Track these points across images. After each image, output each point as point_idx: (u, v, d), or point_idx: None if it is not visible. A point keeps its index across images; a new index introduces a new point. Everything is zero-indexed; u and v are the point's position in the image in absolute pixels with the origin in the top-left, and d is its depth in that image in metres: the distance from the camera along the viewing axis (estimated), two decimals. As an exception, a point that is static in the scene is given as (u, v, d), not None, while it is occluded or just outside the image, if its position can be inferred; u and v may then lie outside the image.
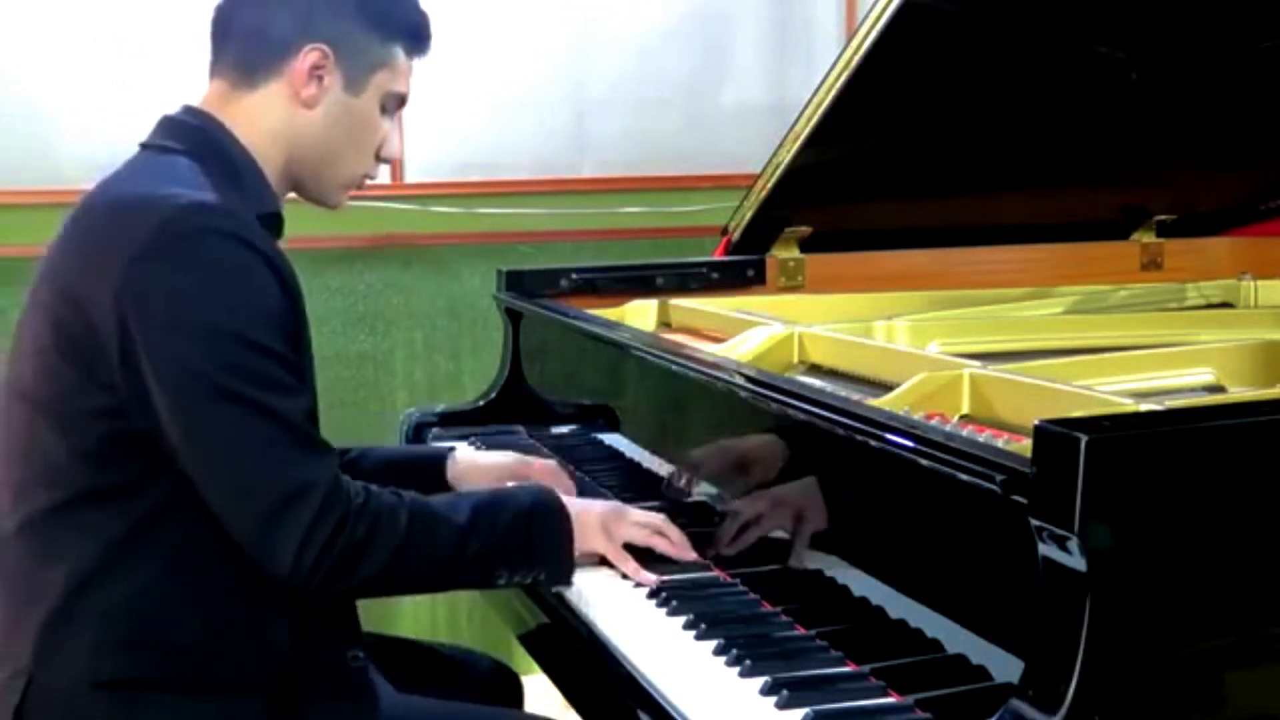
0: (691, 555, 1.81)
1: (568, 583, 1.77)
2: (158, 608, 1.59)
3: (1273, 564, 1.23)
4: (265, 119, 1.71)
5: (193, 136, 1.69)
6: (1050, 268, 2.74)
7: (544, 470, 2.07)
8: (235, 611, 1.61)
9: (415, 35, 1.79)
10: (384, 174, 3.19)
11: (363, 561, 1.59)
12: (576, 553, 1.76)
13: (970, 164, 2.61)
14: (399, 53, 1.76)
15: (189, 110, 1.73)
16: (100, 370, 1.56)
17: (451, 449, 2.14)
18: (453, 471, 2.07)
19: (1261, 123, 2.59)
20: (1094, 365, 1.84)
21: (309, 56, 1.70)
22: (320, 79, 1.71)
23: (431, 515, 1.67)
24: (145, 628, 1.59)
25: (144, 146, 1.72)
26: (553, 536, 1.74)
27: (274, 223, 1.72)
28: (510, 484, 1.99)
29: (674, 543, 1.81)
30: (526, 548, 1.72)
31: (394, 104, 1.78)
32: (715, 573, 1.77)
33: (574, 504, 1.79)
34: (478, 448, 2.41)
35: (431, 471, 2.07)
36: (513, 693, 2.06)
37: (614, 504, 1.88)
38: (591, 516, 1.79)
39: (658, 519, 1.83)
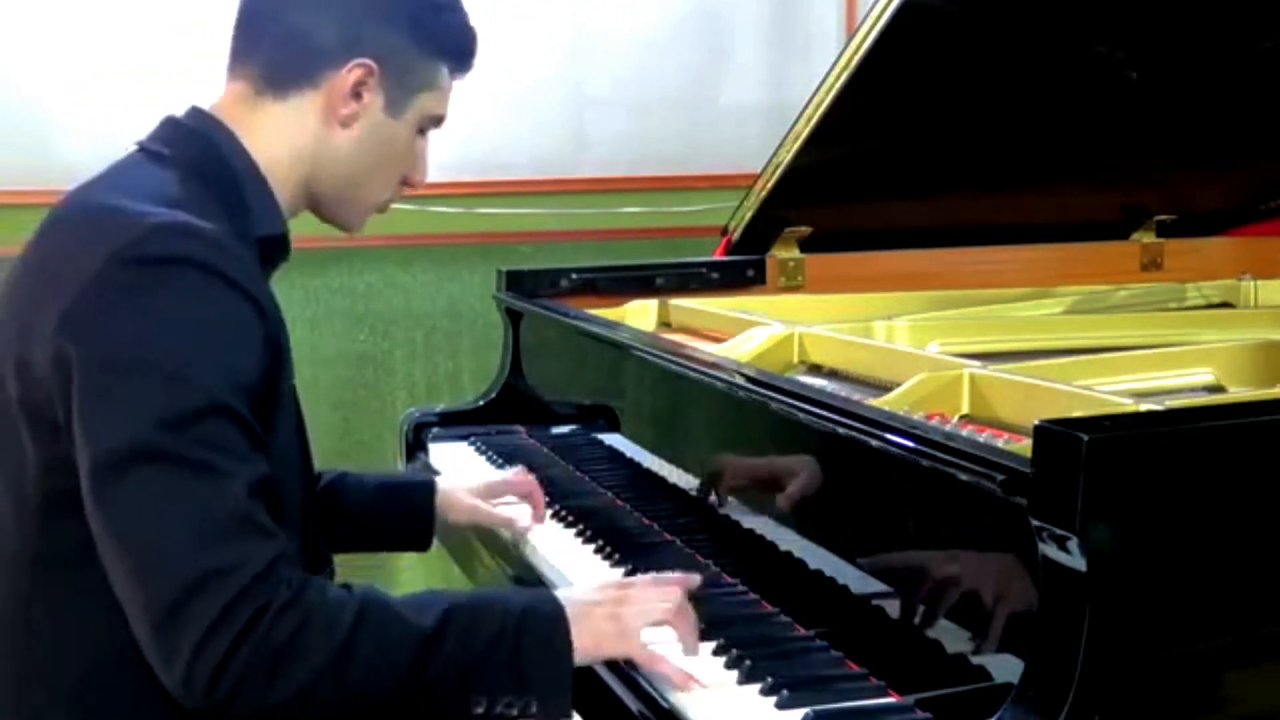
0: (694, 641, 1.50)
1: (567, 715, 1.44)
2: (117, 687, 1.38)
3: (1273, 564, 1.23)
4: (288, 134, 1.54)
5: (192, 145, 1.51)
6: (1050, 268, 2.74)
7: (519, 484, 1.99)
8: None
9: (465, 53, 1.65)
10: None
11: (285, 670, 1.29)
12: (592, 661, 1.46)
13: (970, 164, 2.61)
14: (444, 72, 1.62)
15: (196, 113, 1.55)
16: (45, 410, 1.36)
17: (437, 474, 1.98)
18: (439, 500, 1.92)
19: (1261, 123, 2.59)
20: (1094, 365, 1.84)
21: (354, 72, 1.53)
22: (360, 96, 1.54)
23: (387, 613, 1.36)
24: (107, 711, 1.39)
25: (139, 147, 1.54)
26: (549, 653, 1.40)
27: (276, 246, 1.56)
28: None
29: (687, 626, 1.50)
30: (513, 667, 1.38)
31: (429, 127, 1.64)
32: (715, 573, 1.77)
33: (573, 602, 1.45)
34: (478, 448, 2.41)
35: (417, 498, 1.92)
36: None
37: (607, 589, 1.52)
38: (595, 610, 1.46)
39: (668, 596, 1.49)
